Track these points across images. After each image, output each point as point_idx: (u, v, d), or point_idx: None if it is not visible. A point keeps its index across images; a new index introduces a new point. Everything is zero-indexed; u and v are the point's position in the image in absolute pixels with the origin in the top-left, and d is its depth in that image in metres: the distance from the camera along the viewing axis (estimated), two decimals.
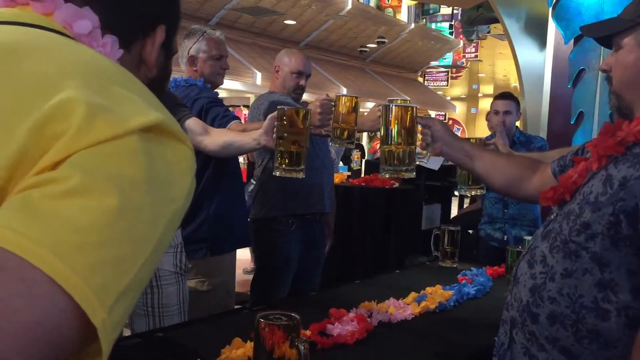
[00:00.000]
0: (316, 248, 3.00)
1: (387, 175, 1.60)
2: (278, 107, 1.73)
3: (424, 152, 1.60)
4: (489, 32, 11.79)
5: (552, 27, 4.20)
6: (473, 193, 1.97)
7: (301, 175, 1.71)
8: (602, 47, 1.33)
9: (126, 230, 0.50)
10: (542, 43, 4.44)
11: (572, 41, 4.01)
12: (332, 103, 1.92)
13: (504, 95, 3.62)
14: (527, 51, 4.66)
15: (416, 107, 1.57)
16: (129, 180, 0.51)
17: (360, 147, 11.37)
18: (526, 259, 1.18)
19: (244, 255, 4.63)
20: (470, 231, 5.15)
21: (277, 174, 1.72)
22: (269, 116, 1.79)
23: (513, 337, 1.18)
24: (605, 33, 1.19)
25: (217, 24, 10.53)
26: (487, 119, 5.39)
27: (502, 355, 1.21)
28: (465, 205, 6.04)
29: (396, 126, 1.55)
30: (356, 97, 1.88)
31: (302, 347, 1.18)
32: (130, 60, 0.77)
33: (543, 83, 4.23)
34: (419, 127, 1.58)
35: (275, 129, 1.72)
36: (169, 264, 1.96)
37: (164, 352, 1.55)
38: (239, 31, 11.23)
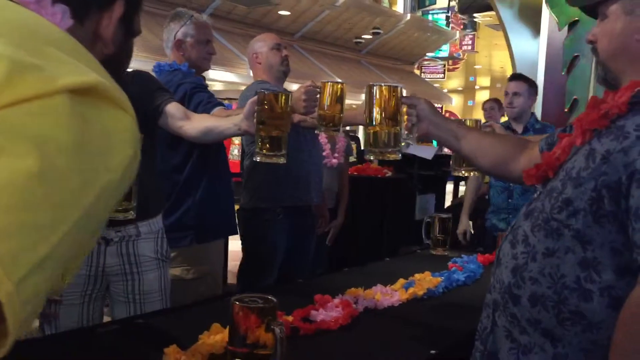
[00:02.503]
0: (306, 238, 2.96)
1: (372, 157, 1.56)
2: (258, 91, 1.69)
3: (410, 132, 1.55)
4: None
5: (546, 13, 4.16)
6: (466, 174, 1.93)
7: (282, 160, 1.66)
8: None
9: (45, 195, 0.46)
10: (536, 30, 4.40)
11: (566, 27, 3.97)
12: (317, 90, 1.88)
13: (515, 76, 3.50)
14: (520, 38, 4.62)
15: (401, 87, 1.52)
16: (55, 143, 0.48)
17: (356, 140, 11.31)
18: (509, 239, 1.14)
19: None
20: (472, 221, 5.11)
21: (258, 159, 1.68)
22: (249, 101, 1.74)
23: (495, 321, 1.14)
24: (591, 2, 1.15)
25: (210, 15, 10.44)
26: (483, 109, 5.35)
27: (484, 340, 1.17)
28: (460, 195, 6.01)
29: (380, 107, 1.51)
30: (342, 84, 1.83)
31: (278, 330, 1.13)
32: (85, 35, 0.74)
33: (537, 70, 4.18)
34: (404, 108, 1.53)
35: (255, 114, 1.67)
36: (150, 250, 1.92)
37: (142, 339, 1.51)
38: (233, 22, 11.17)
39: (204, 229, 2.38)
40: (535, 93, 3.49)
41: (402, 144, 1.53)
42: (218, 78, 10.25)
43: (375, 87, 1.52)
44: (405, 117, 1.53)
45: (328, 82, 1.81)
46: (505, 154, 1.39)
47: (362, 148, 10.82)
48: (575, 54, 3.89)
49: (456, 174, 1.92)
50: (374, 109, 1.53)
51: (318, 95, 1.85)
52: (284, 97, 1.64)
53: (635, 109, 1.02)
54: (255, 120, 1.67)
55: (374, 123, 1.53)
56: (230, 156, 7.88)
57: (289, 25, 12.22)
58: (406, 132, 1.55)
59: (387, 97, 1.51)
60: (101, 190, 0.51)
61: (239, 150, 7.23)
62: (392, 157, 1.52)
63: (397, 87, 1.52)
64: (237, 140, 6.80)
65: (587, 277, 0.99)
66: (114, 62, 0.76)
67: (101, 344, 1.46)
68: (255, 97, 1.68)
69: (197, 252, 2.37)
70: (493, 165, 1.42)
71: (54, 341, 1.52)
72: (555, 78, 4.06)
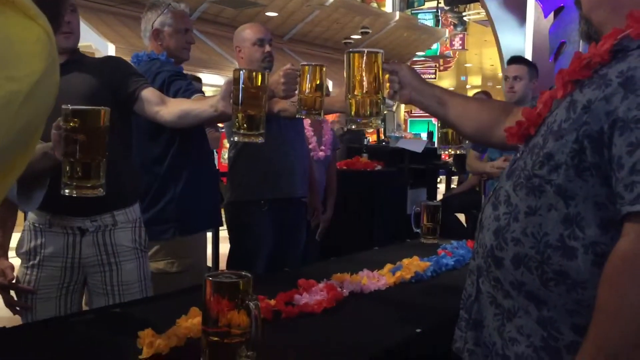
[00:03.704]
0: (294, 232, 2.92)
1: (353, 127, 1.50)
2: (234, 70, 1.64)
3: (391, 101, 1.50)
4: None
5: (531, 1, 4.13)
6: (452, 152, 1.89)
7: (260, 139, 1.62)
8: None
9: None
10: (522, 19, 4.38)
11: (551, 15, 3.94)
12: (297, 72, 1.83)
13: (515, 59, 3.37)
14: (507, 29, 4.59)
15: (382, 53, 1.47)
16: None
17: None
18: (491, 202, 1.09)
19: None
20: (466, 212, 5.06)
21: (236, 139, 1.63)
22: (226, 81, 1.71)
23: (480, 287, 1.09)
24: None
25: (198, 18, 10.42)
26: None
27: (469, 308, 1.12)
28: (452, 186, 5.97)
29: (361, 75, 1.46)
30: (322, 66, 1.79)
31: (253, 306, 1.08)
32: None
33: None
34: (386, 75, 1.48)
35: (232, 94, 1.62)
36: (127, 239, 1.87)
37: (118, 326, 1.45)
38: (222, 26, 11.12)
39: (186, 221, 2.32)
40: (537, 75, 3.35)
41: (385, 112, 1.48)
42: (207, 82, 10.18)
43: (355, 54, 1.47)
44: (387, 84, 1.48)
45: (308, 64, 1.76)
46: (490, 118, 1.35)
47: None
48: (562, 41, 3.86)
49: (442, 152, 1.89)
50: (355, 77, 1.47)
51: (298, 79, 1.81)
52: (259, 75, 1.59)
53: (619, 57, 0.97)
54: (232, 100, 1.62)
55: (354, 92, 1.48)
56: (222, 160, 7.82)
57: (277, 27, 12.18)
58: (388, 100, 1.50)
59: (367, 64, 1.46)
60: (2, 101, 0.46)
61: None
62: (374, 125, 1.47)
63: (377, 52, 1.47)
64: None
65: (571, 234, 0.95)
66: (48, 4, 0.71)
67: (75, 332, 1.41)
68: (231, 77, 1.64)
69: (180, 244, 2.31)
70: (478, 130, 1.38)
71: (24, 330, 1.47)
72: (542, 66, 4.03)
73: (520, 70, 3.28)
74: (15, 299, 1.84)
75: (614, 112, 0.90)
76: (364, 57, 1.44)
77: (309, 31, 13.13)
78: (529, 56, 4.15)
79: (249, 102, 1.59)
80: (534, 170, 1.00)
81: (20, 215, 2.02)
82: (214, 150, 4.49)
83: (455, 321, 1.23)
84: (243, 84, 1.59)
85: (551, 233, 0.97)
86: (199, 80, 5.12)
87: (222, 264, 4.12)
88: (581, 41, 3.73)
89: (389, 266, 2.00)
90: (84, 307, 1.97)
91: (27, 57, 0.50)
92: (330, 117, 5.04)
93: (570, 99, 1.00)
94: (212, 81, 10.24)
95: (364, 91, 1.44)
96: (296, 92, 1.82)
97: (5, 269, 1.81)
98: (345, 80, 1.47)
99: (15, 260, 1.90)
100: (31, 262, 1.83)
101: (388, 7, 16.69)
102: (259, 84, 1.59)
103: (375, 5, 16.15)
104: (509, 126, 1.15)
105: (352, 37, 13.94)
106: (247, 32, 2.75)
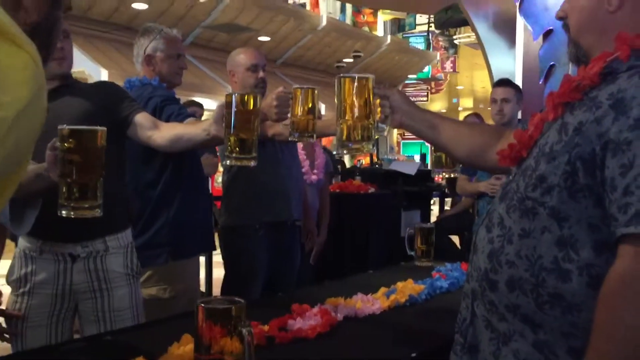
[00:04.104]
0: (289, 256, 2.91)
1: (344, 152, 1.50)
2: (226, 94, 1.65)
3: (384, 125, 1.51)
4: None
5: (520, 24, 4.18)
6: (447, 176, 1.89)
7: (253, 163, 1.61)
8: None
9: None
10: (512, 42, 4.43)
11: (541, 37, 3.98)
12: (289, 95, 1.84)
13: (502, 82, 3.41)
14: (497, 51, 4.64)
15: (373, 78, 1.48)
16: None
17: (341, 163, 11.28)
18: (485, 224, 1.09)
19: None
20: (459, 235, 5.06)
21: (228, 162, 1.63)
22: (218, 105, 1.71)
23: (474, 311, 1.08)
24: None
25: (191, 43, 10.48)
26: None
27: (464, 332, 1.11)
28: (446, 208, 5.97)
29: (351, 99, 1.46)
30: (314, 89, 1.79)
31: (246, 332, 1.07)
32: (4, 2, 0.69)
33: (514, 81, 4.18)
34: (377, 100, 1.49)
35: (224, 117, 1.62)
36: (119, 265, 1.85)
37: (109, 354, 1.43)
38: (215, 51, 11.18)
39: (179, 246, 2.30)
40: (522, 98, 3.38)
41: (376, 136, 1.48)
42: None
43: (345, 79, 1.47)
44: (379, 109, 1.49)
45: (300, 87, 1.77)
46: (482, 142, 1.35)
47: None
48: (552, 63, 3.90)
49: (437, 176, 1.89)
50: (345, 102, 1.48)
51: (290, 102, 1.81)
52: (252, 98, 1.59)
53: (608, 79, 0.98)
54: (224, 124, 1.62)
55: (346, 116, 1.48)
56: (215, 184, 7.80)
57: (270, 52, 12.25)
58: (379, 125, 1.50)
59: (358, 89, 1.46)
60: None
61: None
62: (366, 150, 1.47)
63: (368, 78, 1.47)
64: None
65: (565, 256, 0.94)
66: (41, 32, 0.71)
67: None
68: (224, 101, 1.64)
69: (173, 269, 2.29)
70: (470, 153, 1.38)
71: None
72: (532, 88, 4.06)
73: (508, 93, 3.31)
74: (4, 325, 1.82)
75: (605, 134, 0.90)
76: (355, 82, 1.45)
77: (302, 55, 13.22)
78: (519, 78, 4.19)
79: (241, 126, 1.58)
80: (527, 192, 1.00)
81: (10, 243, 2.00)
82: None
83: (451, 345, 1.22)
84: (235, 107, 1.59)
85: (545, 255, 0.96)
86: (200, 106, 5.16)
87: (216, 289, 4.09)
88: (571, 64, 3.78)
89: (383, 289, 1.99)
90: (75, 335, 1.94)
91: (14, 84, 0.50)
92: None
93: (561, 121, 1.00)
94: (205, 105, 10.26)
95: (355, 116, 1.45)
96: (289, 115, 1.83)
97: None
98: (336, 105, 1.48)
99: (5, 288, 1.88)
100: (21, 290, 1.81)
101: (380, 31, 16.89)
102: (251, 108, 1.59)
103: (366, 29, 16.33)
104: (501, 149, 1.15)
105: (345, 60, 14.05)
106: (242, 57, 2.74)
